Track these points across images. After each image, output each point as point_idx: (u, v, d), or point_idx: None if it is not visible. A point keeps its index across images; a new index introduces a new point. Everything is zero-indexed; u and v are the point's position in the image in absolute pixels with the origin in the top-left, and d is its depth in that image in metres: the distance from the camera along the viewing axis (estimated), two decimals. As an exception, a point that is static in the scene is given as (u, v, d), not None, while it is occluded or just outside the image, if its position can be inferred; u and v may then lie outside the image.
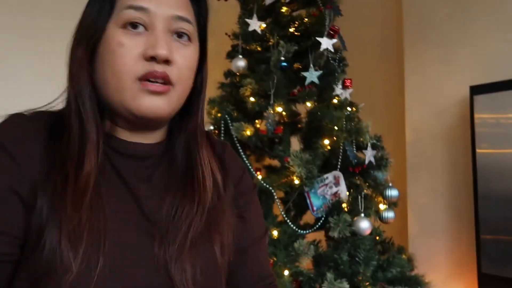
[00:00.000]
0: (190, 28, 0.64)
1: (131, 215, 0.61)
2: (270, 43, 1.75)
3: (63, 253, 0.52)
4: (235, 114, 1.72)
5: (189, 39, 0.64)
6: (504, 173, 1.75)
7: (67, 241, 0.53)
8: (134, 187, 0.62)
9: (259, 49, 1.81)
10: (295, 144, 1.78)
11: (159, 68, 0.59)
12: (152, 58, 0.59)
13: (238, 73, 1.78)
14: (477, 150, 1.83)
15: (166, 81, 0.60)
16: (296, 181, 1.54)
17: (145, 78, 0.59)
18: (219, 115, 1.68)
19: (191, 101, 0.68)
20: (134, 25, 0.60)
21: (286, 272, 1.45)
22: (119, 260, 0.56)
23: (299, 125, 1.83)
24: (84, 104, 0.61)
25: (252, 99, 1.67)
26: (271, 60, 1.64)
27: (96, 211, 0.56)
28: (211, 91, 2.01)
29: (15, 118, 0.60)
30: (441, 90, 2.16)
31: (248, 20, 1.69)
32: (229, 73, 1.85)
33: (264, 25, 1.72)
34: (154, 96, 0.60)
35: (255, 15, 1.70)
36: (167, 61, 0.60)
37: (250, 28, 1.69)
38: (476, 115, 1.84)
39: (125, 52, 0.59)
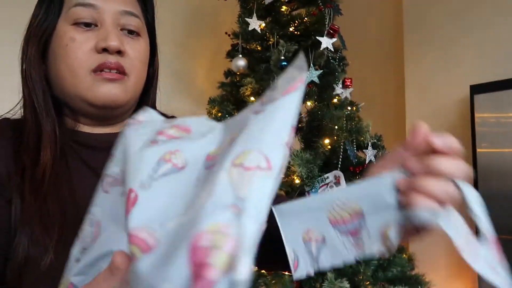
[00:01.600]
0: (138, 22, 0.66)
1: None
2: (270, 42, 1.75)
3: (38, 238, 0.54)
4: (236, 113, 1.71)
5: (138, 33, 0.67)
6: (504, 172, 1.75)
7: (40, 226, 0.55)
8: None
9: (259, 48, 1.81)
10: (296, 143, 1.78)
11: (112, 59, 0.62)
12: (104, 50, 0.61)
13: (238, 73, 1.78)
14: (478, 150, 1.83)
15: (120, 71, 0.63)
16: (297, 181, 1.54)
17: (99, 69, 0.61)
18: (219, 114, 1.68)
19: (146, 94, 0.71)
20: (86, 24, 0.62)
21: (287, 272, 1.45)
22: None
23: (300, 125, 1.82)
24: (37, 97, 0.63)
25: (252, 98, 1.67)
26: (271, 59, 1.64)
27: (65, 198, 0.58)
28: (211, 90, 2.01)
29: None
30: (441, 90, 2.16)
31: (248, 19, 1.69)
32: (229, 73, 1.85)
33: (264, 24, 1.72)
34: (109, 83, 0.62)
35: (254, 14, 1.70)
36: (119, 52, 0.62)
37: (250, 27, 1.69)
38: (476, 115, 1.84)
39: (78, 46, 0.61)
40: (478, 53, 2.03)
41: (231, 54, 1.83)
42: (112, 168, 0.40)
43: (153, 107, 0.72)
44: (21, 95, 0.67)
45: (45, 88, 0.64)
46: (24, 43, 0.66)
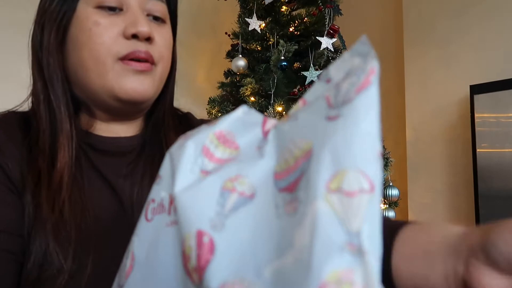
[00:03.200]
0: (164, 8, 0.61)
1: (114, 213, 0.58)
2: (270, 43, 1.75)
3: (52, 255, 0.50)
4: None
5: (163, 20, 0.61)
6: (504, 172, 1.75)
7: (55, 242, 0.50)
8: (116, 184, 0.59)
9: (259, 48, 1.81)
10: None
11: (141, 47, 0.56)
12: (134, 36, 0.56)
13: (238, 73, 1.78)
14: (478, 149, 1.83)
15: (150, 61, 0.57)
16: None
17: (128, 58, 0.56)
18: (219, 114, 1.68)
19: (166, 85, 0.64)
20: (111, 8, 0.56)
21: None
22: (107, 259, 0.54)
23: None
24: (55, 90, 0.57)
25: (252, 98, 1.67)
26: (271, 59, 1.64)
27: (80, 209, 0.53)
28: (211, 90, 2.01)
29: None
30: (441, 90, 2.16)
31: (248, 20, 1.69)
32: (229, 73, 1.86)
33: (264, 25, 1.72)
34: (138, 75, 0.56)
35: (254, 14, 1.70)
36: (148, 39, 0.57)
37: (250, 28, 1.69)
38: (476, 114, 1.84)
39: (103, 31, 0.55)
40: (478, 53, 2.03)
41: (231, 54, 1.83)
42: (159, 192, 0.34)
43: (172, 98, 0.67)
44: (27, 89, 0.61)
45: (64, 80, 0.57)
46: (37, 29, 0.59)
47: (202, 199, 0.29)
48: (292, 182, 0.27)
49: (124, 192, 0.59)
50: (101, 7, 0.56)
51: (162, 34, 0.60)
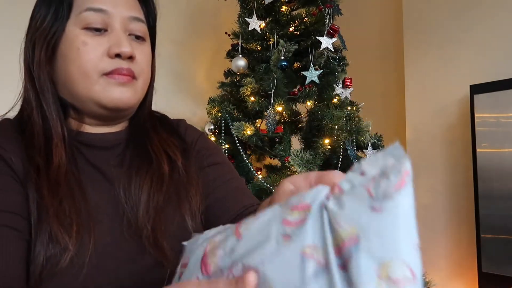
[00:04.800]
0: (144, 28, 0.69)
1: (110, 198, 0.65)
2: (270, 42, 1.75)
3: (57, 235, 0.55)
4: (236, 113, 1.72)
5: (144, 38, 0.69)
6: (504, 172, 1.75)
7: (58, 224, 0.56)
8: (108, 173, 0.66)
9: (259, 48, 1.81)
10: (296, 143, 1.78)
11: (124, 64, 0.64)
12: (117, 56, 0.63)
13: (238, 73, 1.78)
14: (478, 149, 1.83)
15: (131, 75, 0.65)
16: (297, 181, 1.53)
17: (111, 74, 0.63)
18: (219, 114, 1.68)
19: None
20: (97, 29, 0.64)
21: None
22: (105, 239, 0.60)
23: (300, 125, 1.83)
24: (46, 99, 0.64)
25: (252, 98, 1.67)
26: (271, 59, 1.64)
27: (78, 197, 0.60)
28: (211, 90, 2.01)
29: None
30: (441, 89, 2.16)
31: (248, 19, 1.69)
32: (229, 73, 1.85)
33: (264, 24, 1.72)
34: (121, 87, 0.64)
35: (254, 14, 1.70)
36: (130, 58, 0.65)
37: (250, 27, 1.69)
38: (476, 114, 1.84)
39: (90, 50, 0.63)
40: (478, 53, 2.03)
41: (231, 54, 1.83)
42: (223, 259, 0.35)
43: (150, 104, 0.76)
44: (15, 96, 0.68)
45: (53, 91, 0.65)
46: (28, 45, 0.66)
47: (287, 264, 0.31)
48: (342, 263, 0.30)
49: (115, 180, 0.66)
50: (88, 28, 0.64)
51: (142, 51, 0.68)
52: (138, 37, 0.68)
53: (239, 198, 0.72)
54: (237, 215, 0.69)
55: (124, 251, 0.61)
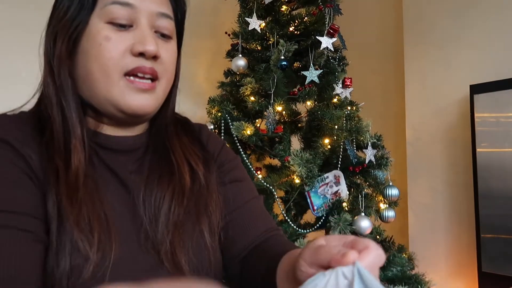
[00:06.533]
0: (171, 25, 0.65)
1: (127, 206, 0.62)
2: (270, 42, 1.75)
3: (78, 243, 0.53)
4: (235, 113, 1.71)
5: (170, 36, 0.65)
6: (504, 172, 1.75)
7: (78, 232, 0.53)
8: (126, 179, 0.63)
9: (259, 48, 1.81)
10: (296, 143, 1.78)
11: (147, 63, 0.60)
12: (140, 54, 0.60)
13: (238, 72, 1.78)
14: (477, 149, 1.83)
15: (153, 76, 0.61)
16: (297, 180, 1.54)
17: (133, 73, 0.60)
18: (219, 114, 1.68)
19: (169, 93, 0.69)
20: (122, 25, 0.60)
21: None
22: (125, 248, 0.57)
23: (299, 124, 1.83)
24: (66, 96, 0.60)
25: (252, 98, 1.66)
26: (271, 59, 1.64)
27: (97, 203, 0.57)
28: (211, 90, 2.01)
29: (5, 120, 0.60)
30: (441, 89, 2.16)
31: (248, 19, 1.69)
32: (229, 72, 1.85)
33: (264, 24, 1.72)
34: (142, 93, 0.61)
35: (254, 14, 1.70)
36: (154, 57, 0.61)
37: (250, 27, 1.69)
38: (476, 114, 1.84)
39: (113, 46, 0.59)
40: (478, 53, 2.03)
41: (231, 54, 1.83)
42: None
43: (173, 106, 0.72)
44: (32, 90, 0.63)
45: (73, 88, 0.61)
46: (50, 38, 0.62)
47: None
48: None
49: (133, 187, 0.63)
50: (112, 23, 0.60)
51: (167, 50, 0.64)
52: (164, 35, 0.64)
53: (258, 223, 0.70)
54: (254, 245, 0.68)
55: (140, 264, 0.58)
